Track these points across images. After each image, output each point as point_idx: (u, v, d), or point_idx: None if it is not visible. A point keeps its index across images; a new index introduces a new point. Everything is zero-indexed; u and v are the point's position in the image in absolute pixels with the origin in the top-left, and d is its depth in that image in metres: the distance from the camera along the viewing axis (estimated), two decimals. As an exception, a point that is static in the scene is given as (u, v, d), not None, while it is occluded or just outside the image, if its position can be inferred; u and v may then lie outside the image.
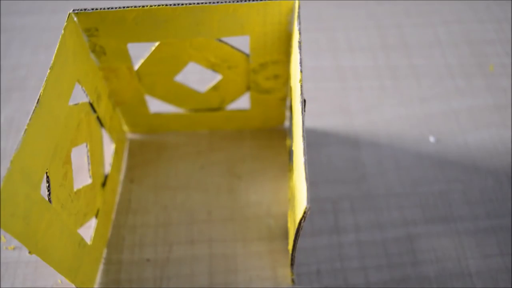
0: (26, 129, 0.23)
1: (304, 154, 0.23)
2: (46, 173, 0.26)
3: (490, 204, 0.37)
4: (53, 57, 0.26)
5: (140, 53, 0.34)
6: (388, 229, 0.36)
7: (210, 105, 0.38)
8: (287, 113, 0.39)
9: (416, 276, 0.34)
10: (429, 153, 0.39)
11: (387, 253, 0.35)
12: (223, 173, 0.38)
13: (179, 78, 0.36)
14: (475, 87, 0.44)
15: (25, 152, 0.23)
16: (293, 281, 0.33)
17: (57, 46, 0.26)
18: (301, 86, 0.25)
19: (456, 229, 0.36)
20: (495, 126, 0.41)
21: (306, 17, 0.48)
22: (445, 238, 0.35)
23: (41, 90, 0.24)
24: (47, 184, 0.26)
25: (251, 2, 0.29)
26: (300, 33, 0.27)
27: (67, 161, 0.29)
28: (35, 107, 0.24)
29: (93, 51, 0.31)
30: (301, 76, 0.25)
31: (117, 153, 0.37)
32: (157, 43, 0.32)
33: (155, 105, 0.39)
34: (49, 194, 0.26)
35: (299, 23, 0.28)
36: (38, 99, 0.24)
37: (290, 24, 0.30)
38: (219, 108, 0.38)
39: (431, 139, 0.40)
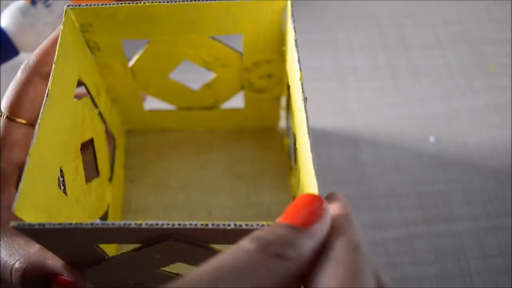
0: (39, 123, 0.23)
1: (312, 151, 0.23)
2: (60, 167, 0.26)
3: (490, 204, 0.37)
4: (56, 52, 0.26)
5: (135, 51, 0.34)
6: (388, 229, 0.36)
7: (204, 104, 0.38)
8: (283, 113, 0.39)
9: (416, 276, 0.34)
10: (429, 153, 0.39)
11: (387, 253, 0.35)
12: (223, 173, 0.38)
13: (175, 76, 0.36)
14: (475, 87, 0.44)
15: (40, 146, 0.23)
16: None
17: (58, 41, 0.26)
18: (302, 84, 0.25)
19: (456, 229, 0.36)
20: (495, 126, 0.41)
21: (306, 17, 0.48)
22: (445, 238, 0.35)
23: (49, 85, 0.25)
24: (62, 179, 0.26)
25: (244, 0, 0.29)
26: (295, 31, 0.27)
27: (77, 156, 0.29)
28: (45, 101, 0.24)
29: (88, 47, 0.31)
30: (301, 74, 0.25)
31: (119, 148, 0.37)
32: (150, 40, 0.32)
33: (155, 104, 0.39)
34: (64, 188, 0.26)
35: (293, 22, 0.28)
36: (47, 94, 0.24)
37: (283, 23, 0.30)
38: (213, 107, 0.38)
39: (431, 139, 0.40)
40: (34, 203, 0.22)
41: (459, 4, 0.50)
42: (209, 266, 0.16)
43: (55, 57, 0.25)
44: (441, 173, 0.38)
